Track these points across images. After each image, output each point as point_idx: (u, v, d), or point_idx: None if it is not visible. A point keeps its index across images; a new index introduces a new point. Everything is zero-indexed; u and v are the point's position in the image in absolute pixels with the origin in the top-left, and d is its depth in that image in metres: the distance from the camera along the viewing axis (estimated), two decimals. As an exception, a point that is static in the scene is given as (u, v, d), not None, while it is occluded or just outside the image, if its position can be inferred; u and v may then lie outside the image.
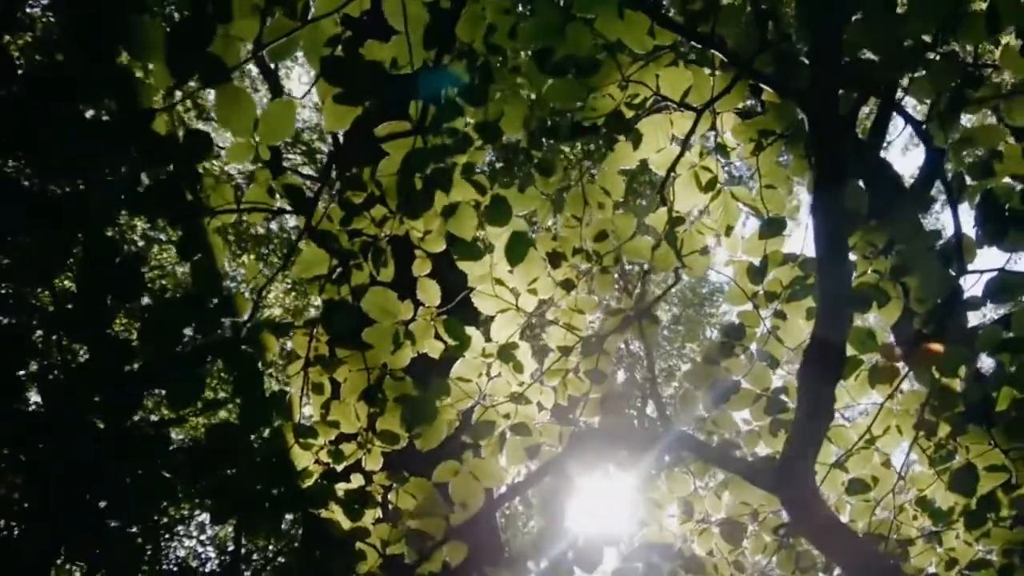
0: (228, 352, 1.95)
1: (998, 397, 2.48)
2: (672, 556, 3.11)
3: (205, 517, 9.44)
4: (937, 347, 2.42)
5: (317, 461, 2.38)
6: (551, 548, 2.66)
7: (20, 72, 1.61)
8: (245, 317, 1.99)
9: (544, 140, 2.49)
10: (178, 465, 1.85)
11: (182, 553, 9.39)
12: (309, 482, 2.32)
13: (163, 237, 9.19)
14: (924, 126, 2.52)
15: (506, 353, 2.66)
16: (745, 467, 2.40)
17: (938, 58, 2.32)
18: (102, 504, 1.72)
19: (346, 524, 2.32)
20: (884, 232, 2.61)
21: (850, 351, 2.68)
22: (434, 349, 2.53)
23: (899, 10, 2.30)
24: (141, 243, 8.94)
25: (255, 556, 8.35)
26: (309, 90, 1.92)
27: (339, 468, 2.41)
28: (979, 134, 2.51)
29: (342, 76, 1.85)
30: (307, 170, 10.50)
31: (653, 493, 3.26)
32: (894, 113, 3.34)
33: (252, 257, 9.52)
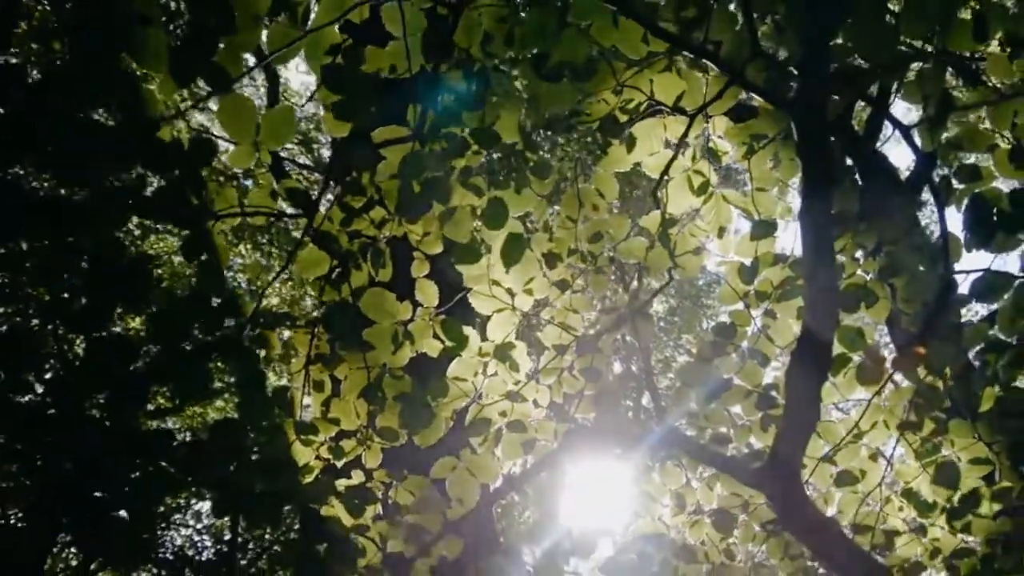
0: (231, 349, 1.99)
1: (982, 396, 2.53)
2: (665, 546, 3.18)
3: (202, 506, 9.49)
4: (922, 350, 2.47)
5: (318, 457, 2.43)
6: (546, 539, 2.72)
7: (15, 63, 1.61)
8: (247, 316, 2.03)
9: (541, 135, 2.52)
10: (180, 459, 1.88)
11: (179, 541, 9.45)
12: (310, 478, 2.37)
13: (159, 227, 9.16)
14: (912, 129, 2.55)
15: (502, 352, 2.71)
16: (732, 464, 2.46)
17: (929, 62, 2.35)
18: (100, 495, 1.74)
19: (347, 520, 2.37)
20: (873, 234, 2.66)
21: (840, 349, 2.73)
22: (433, 348, 2.57)
23: (890, 16, 2.32)
24: (137, 232, 8.92)
25: (251, 545, 8.41)
26: (311, 97, 1.95)
27: (339, 464, 2.45)
28: (967, 138, 2.55)
29: (342, 84, 1.89)
30: (304, 159, 10.48)
31: (647, 486, 3.32)
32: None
33: (250, 247, 9.51)
